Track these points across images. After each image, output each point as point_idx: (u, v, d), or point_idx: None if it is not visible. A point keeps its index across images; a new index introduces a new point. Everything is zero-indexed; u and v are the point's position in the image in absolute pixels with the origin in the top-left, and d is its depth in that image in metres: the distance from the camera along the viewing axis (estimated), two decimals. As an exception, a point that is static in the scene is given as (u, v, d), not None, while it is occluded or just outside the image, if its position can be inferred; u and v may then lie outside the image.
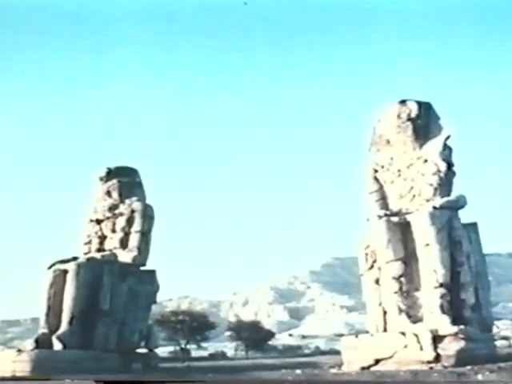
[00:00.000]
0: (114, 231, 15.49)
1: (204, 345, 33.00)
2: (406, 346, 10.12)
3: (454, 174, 12.20)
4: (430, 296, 10.74)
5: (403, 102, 12.66)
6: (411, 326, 10.55)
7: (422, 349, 9.95)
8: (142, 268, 15.22)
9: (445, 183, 11.98)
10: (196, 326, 31.02)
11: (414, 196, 12.20)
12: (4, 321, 71.95)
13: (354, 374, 10.17)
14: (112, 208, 15.69)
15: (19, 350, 13.03)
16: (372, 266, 11.64)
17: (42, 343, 13.12)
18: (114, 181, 15.87)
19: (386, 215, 11.55)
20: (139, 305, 14.71)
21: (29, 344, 13.18)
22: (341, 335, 30.55)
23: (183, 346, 30.28)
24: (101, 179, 16.02)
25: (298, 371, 11.50)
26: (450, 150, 12.31)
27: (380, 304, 11.38)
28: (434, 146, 12.30)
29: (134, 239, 15.17)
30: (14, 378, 11.98)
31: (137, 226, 15.28)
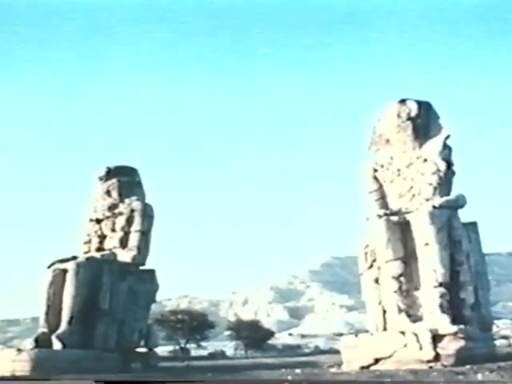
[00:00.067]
0: (113, 230, 15.49)
1: (203, 344, 32.97)
2: (405, 346, 10.13)
3: (453, 173, 12.21)
4: (429, 295, 10.75)
5: (403, 101, 12.66)
6: (411, 326, 10.56)
7: (421, 348, 9.95)
8: (142, 267, 15.22)
9: (444, 183, 11.99)
10: (196, 325, 31.02)
11: (413, 195, 12.21)
12: (4, 320, 71.91)
13: (353, 373, 10.16)
14: (112, 207, 15.69)
15: (19, 350, 13.03)
16: (372, 266, 11.64)
17: (42, 342, 13.13)
18: (114, 180, 15.87)
19: (385, 214, 11.55)
20: (139, 304, 14.72)
21: (28, 343, 13.18)
22: (340, 334, 30.56)
23: (183, 345, 30.28)
24: (100, 179, 16.01)
25: (298, 370, 11.51)
26: (450, 149, 12.32)
27: (380, 303, 11.38)
28: (434, 145, 12.31)
29: (133, 238, 15.17)
30: (13, 378, 11.97)
31: (136, 225, 15.29)
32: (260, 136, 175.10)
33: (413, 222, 11.28)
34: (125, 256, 14.91)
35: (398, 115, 12.54)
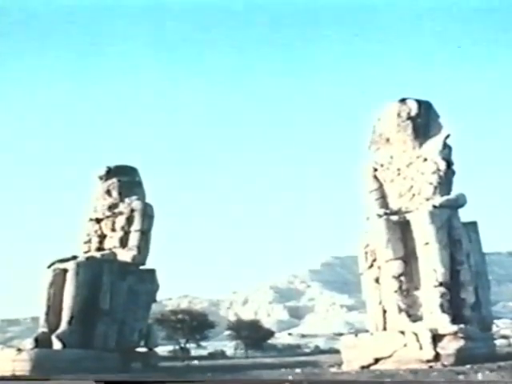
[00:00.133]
0: (113, 230, 15.48)
1: (204, 344, 32.95)
2: (405, 345, 10.13)
3: (453, 172, 12.20)
4: (429, 295, 10.74)
5: (403, 100, 12.66)
6: (411, 325, 10.55)
7: (421, 348, 9.95)
8: (142, 267, 15.22)
9: (444, 182, 11.98)
10: (196, 324, 31.02)
11: (413, 195, 12.21)
12: (4, 320, 71.84)
13: (353, 373, 10.16)
14: (112, 207, 15.68)
15: (19, 349, 13.03)
16: (372, 265, 11.64)
17: (42, 342, 13.13)
18: (114, 180, 15.87)
19: (385, 214, 11.54)
20: (139, 304, 14.72)
21: (28, 343, 13.18)
22: (340, 334, 30.50)
23: (183, 345, 30.27)
24: (100, 178, 16.01)
25: (298, 370, 11.52)
26: (450, 148, 12.31)
27: (380, 303, 11.38)
28: (434, 144, 12.30)
29: (133, 238, 15.17)
30: (13, 378, 11.96)
31: (136, 224, 15.29)
32: (260, 136, 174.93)
33: (413, 222, 11.28)
34: (125, 256, 14.91)
35: (398, 114, 12.54)
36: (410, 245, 11.25)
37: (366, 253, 11.72)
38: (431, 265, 10.80)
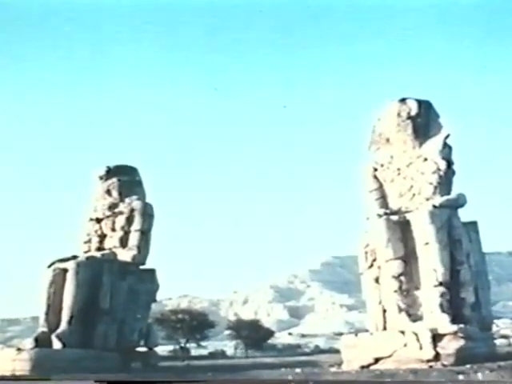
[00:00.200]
0: (113, 230, 15.48)
1: (204, 343, 33.01)
2: (405, 345, 10.12)
3: (453, 172, 12.20)
4: (429, 295, 10.74)
5: (403, 100, 12.65)
6: (411, 325, 10.55)
7: (421, 347, 9.94)
8: (142, 267, 15.21)
9: (444, 182, 11.98)
10: (196, 324, 31.07)
11: (413, 195, 12.20)
12: (4, 319, 71.95)
13: (353, 372, 10.16)
14: (112, 207, 15.68)
15: (19, 349, 13.02)
16: (372, 265, 11.64)
17: (42, 342, 13.12)
18: (114, 179, 15.86)
19: (385, 214, 11.54)
20: (139, 304, 14.71)
21: (28, 343, 13.17)
22: (340, 334, 30.48)
23: (183, 344, 30.32)
24: (100, 178, 16.00)
25: (298, 370, 11.52)
26: (450, 148, 12.31)
27: (380, 303, 11.38)
28: (434, 144, 12.30)
29: (133, 238, 15.16)
30: (13, 378, 11.97)
31: (136, 224, 15.28)
32: (260, 136, 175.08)
33: (413, 222, 11.27)
34: (125, 255, 14.91)
35: (398, 114, 12.53)
36: (410, 245, 11.24)
37: (366, 253, 11.72)
38: (431, 265, 10.79)
